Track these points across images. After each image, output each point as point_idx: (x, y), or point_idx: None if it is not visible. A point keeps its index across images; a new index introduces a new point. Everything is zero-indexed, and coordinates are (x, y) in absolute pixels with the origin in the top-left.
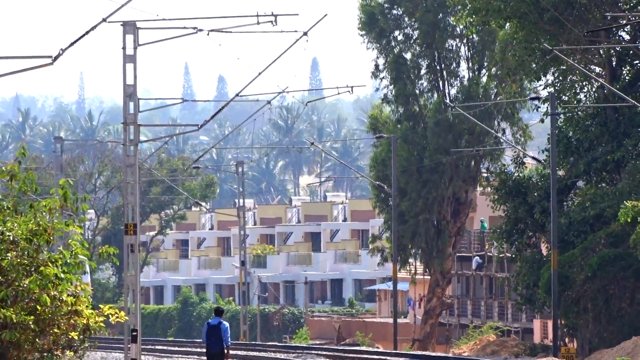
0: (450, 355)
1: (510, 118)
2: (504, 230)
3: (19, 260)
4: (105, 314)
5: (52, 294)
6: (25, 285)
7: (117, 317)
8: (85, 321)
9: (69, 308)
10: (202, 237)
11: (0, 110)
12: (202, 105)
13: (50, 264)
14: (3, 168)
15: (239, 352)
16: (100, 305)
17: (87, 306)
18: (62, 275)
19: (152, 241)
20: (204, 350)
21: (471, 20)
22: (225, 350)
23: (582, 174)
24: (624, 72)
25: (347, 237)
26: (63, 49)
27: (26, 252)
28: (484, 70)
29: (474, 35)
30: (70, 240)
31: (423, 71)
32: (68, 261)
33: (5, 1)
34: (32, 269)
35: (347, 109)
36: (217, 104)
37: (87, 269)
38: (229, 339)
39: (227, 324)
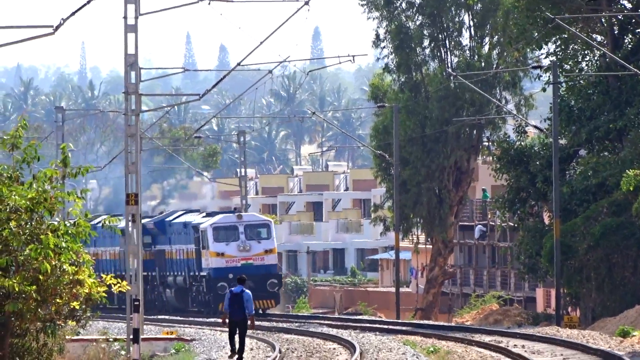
0: (452, 324)
1: (512, 87)
2: (506, 199)
3: (19, 229)
4: (107, 283)
5: (53, 263)
6: (26, 254)
7: (119, 287)
8: (87, 290)
9: (71, 277)
10: (204, 206)
11: (2, 80)
12: (204, 75)
13: (50, 233)
14: (4, 137)
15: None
16: (102, 275)
17: (89, 275)
18: (64, 245)
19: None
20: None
21: None
22: (249, 320)
23: (584, 143)
24: (626, 40)
25: (349, 206)
26: (64, 18)
27: (28, 222)
28: (486, 39)
29: (478, 5)
30: (71, 210)
31: (425, 40)
32: (69, 231)
33: None
34: (34, 239)
35: (349, 78)
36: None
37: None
38: (252, 308)
39: (249, 293)
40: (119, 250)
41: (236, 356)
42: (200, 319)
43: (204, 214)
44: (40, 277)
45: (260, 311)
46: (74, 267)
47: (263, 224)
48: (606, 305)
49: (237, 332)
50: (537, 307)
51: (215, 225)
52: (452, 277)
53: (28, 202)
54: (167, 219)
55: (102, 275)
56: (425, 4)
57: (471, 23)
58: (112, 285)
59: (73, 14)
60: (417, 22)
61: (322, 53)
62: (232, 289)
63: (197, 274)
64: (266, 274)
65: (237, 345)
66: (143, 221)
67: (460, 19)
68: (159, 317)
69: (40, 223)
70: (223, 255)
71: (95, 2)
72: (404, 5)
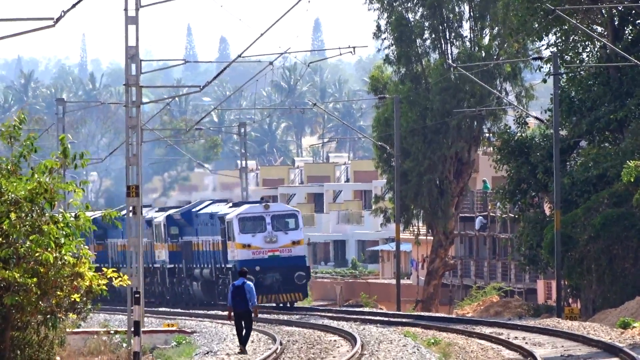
0: (453, 316)
1: (512, 78)
2: (506, 190)
3: (20, 221)
4: (108, 277)
5: (54, 254)
6: (27, 246)
7: (120, 281)
8: (88, 283)
9: (71, 270)
10: (205, 198)
11: (2, 72)
12: (205, 67)
13: (52, 224)
14: (2, 129)
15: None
16: (103, 269)
17: (89, 268)
18: (63, 240)
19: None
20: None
21: None
22: (252, 310)
23: (584, 134)
24: (627, 31)
25: (350, 197)
26: (65, 10)
27: (28, 214)
28: (486, 31)
29: None
30: (71, 201)
31: (426, 32)
32: (69, 223)
33: None
34: (35, 230)
35: (350, 69)
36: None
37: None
38: (255, 299)
39: (251, 284)
40: (147, 241)
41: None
42: (202, 312)
43: (231, 204)
44: (41, 269)
45: (288, 304)
46: (74, 259)
47: (291, 214)
48: (607, 296)
49: (243, 324)
50: (537, 299)
51: (241, 216)
52: (453, 268)
53: (28, 193)
54: (194, 210)
55: (103, 268)
56: None
57: (471, 14)
58: (113, 279)
59: (74, 6)
60: (418, 14)
61: (323, 45)
62: (235, 282)
63: (223, 266)
64: (294, 266)
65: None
66: (170, 212)
67: (460, 9)
68: (160, 309)
69: (40, 215)
70: (249, 247)
71: None
72: None
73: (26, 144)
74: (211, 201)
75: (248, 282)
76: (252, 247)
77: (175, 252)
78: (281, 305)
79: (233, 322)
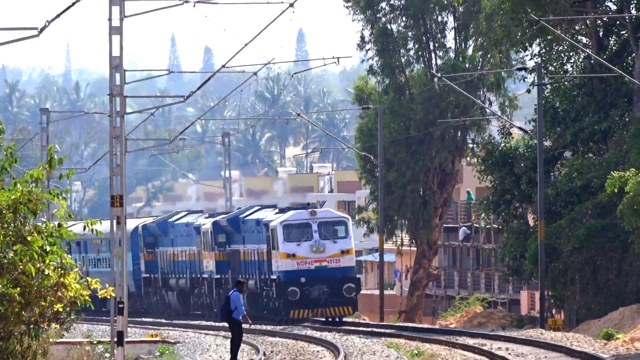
0: (436, 327)
1: (496, 88)
2: (490, 201)
3: (3, 231)
4: (92, 287)
5: (38, 265)
6: (10, 257)
7: (105, 292)
8: (72, 294)
9: (56, 280)
10: (189, 208)
11: None
12: (189, 77)
13: (36, 234)
14: None
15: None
16: (88, 279)
17: (74, 279)
18: (48, 249)
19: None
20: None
21: None
22: (242, 320)
23: (568, 145)
24: (611, 42)
25: (334, 208)
26: (49, 20)
27: (11, 223)
28: (470, 41)
29: (461, 7)
30: (55, 211)
31: (409, 42)
32: (53, 233)
33: None
34: (18, 240)
35: (334, 80)
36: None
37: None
38: (242, 308)
39: (238, 294)
40: (196, 250)
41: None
42: (184, 322)
43: (277, 210)
44: (24, 279)
45: (337, 319)
46: (59, 270)
47: (340, 221)
48: (590, 307)
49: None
50: (521, 310)
51: (285, 223)
52: (437, 279)
53: (11, 202)
54: (241, 216)
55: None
56: (408, 5)
57: (455, 24)
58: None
59: (58, 16)
60: (401, 25)
61: (307, 55)
62: (229, 293)
63: (267, 277)
64: (342, 278)
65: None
66: (217, 218)
67: (444, 19)
68: (144, 319)
69: (24, 224)
70: (294, 257)
71: (80, 4)
72: (387, 8)
73: (6, 154)
74: (260, 207)
75: (235, 293)
76: (297, 257)
77: (222, 261)
78: (329, 320)
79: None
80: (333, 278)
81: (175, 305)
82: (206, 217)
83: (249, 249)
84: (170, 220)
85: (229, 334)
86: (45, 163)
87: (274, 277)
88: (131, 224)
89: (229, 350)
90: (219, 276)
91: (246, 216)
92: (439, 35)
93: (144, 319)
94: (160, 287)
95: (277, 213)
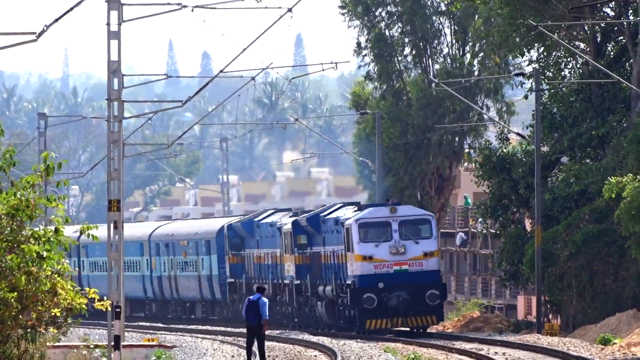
0: (433, 331)
1: (493, 94)
2: (488, 206)
3: (1, 237)
4: (90, 297)
5: (34, 271)
6: (6, 263)
7: (101, 305)
8: (68, 300)
9: (52, 285)
10: (186, 213)
11: None
12: (186, 82)
13: (32, 241)
14: None
15: (219, 328)
16: (86, 289)
17: (71, 286)
18: (45, 254)
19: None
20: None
21: None
22: (263, 323)
23: (566, 150)
24: (609, 48)
25: None
26: (47, 25)
27: (8, 229)
28: (468, 47)
29: (458, 13)
30: (53, 217)
31: (406, 48)
32: (51, 239)
33: None
34: (15, 246)
35: (332, 85)
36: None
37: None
38: (267, 313)
39: (265, 300)
40: (278, 253)
41: None
42: (182, 326)
43: (356, 208)
44: (21, 283)
45: (421, 330)
46: (56, 275)
47: (423, 219)
48: (587, 312)
49: (255, 338)
50: (518, 315)
51: (361, 221)
52: None
53: (9, 209)
54: (322, 214)
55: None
56: (405, 12)
57: (452, 30)
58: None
59: (56, 20)
60: (398, 30)
61: (305, 60)
62: (250, 297)
63: (343, 282)
64: (425, 284)
65: (253, 352)
66: (296, 218)
67: (440, 25)
68: (141, 323)
69: (21, 229)
70: (371, 259)
71: (78, 9)
72: (383, 14)
73: (5, 158)
74: (342, 204)
75: (263, 298)
76: (375, 260)
77: (302, 265)
78: (413, 330)
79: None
80: (415, 283)
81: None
82: (290, 217)
83: (329, 251)
84: (256, 219)
85: (226, 338)
86: (40, 165)
87: (349, 282)
88: (216, 223)
89: (249, 357)
90: (298, 282)
91: (326, 214)
92: (436, 41)
93: (140, 323)
94: (245, 294)
95: (355, 210)
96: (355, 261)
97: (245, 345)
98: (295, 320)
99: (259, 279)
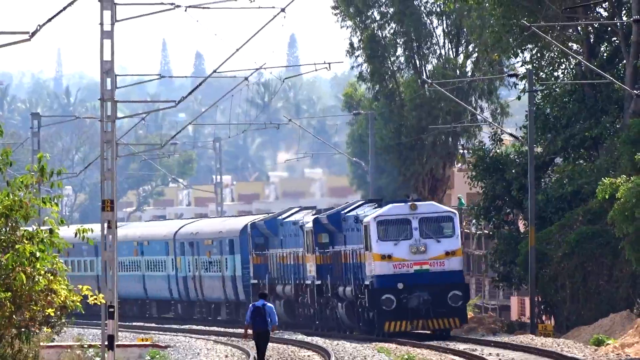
0: (427, 331)
1: (487, 95)
2: (481, 207)
3: None
4: (83, 294)
5: (29, 270)
6: (1, 263)
7: (95, 299)
8: (62, 299)
9: (46, 284)
10: (180, 213)
11: None
12: (180, 82)
13: (26, 241)
14: None
15: (218, 328)
16: (79, 286)
17: (66, 285)
18: (39, 254)
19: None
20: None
21: None
22: (271, 329)
23: (559, 151)
24: (602, 49)
25: None
26: (40, 24)
27: (2, 229)
28: (461, 48)
29: (452, 14)
30: (47, 218)
31: (399, 48)
32: (44, 239)
33: None
34: (9, 246)
35: (325, 86)
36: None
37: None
38: (276, 319)
39: (271, 305)
40: (300, 252)
41: None
42: (176, 326)
43: (375, 205)
44: (15, 283)
45: (444, 332)
46: (50, 274)
47: (445, 216)
48: (581, 313)
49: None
50: (511, 316)
51: (380, 219)
52: None
53: (3, 209)
54: (343, 212)
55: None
56: (397, 12)
57: (445, 30)
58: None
59: (49, 20)
60: (390, 31)
61: (298, 60)
62: (255, 303)
63: (361, 283)
64: (447, 284)
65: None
66: (317, 216)
67: (434, 25)
68: (134, 323)
69: (15, 229)
70: (390, 259)
71: (71, 9)
72: (375, 14)
73: (2, 158)
74: (364, 201)
75: (269, 305)
76: (394, 259)
77: (323, 265)
78: (435, 332)
79: (244, 339)
80: (436, 284)
81: (282, 317)
82: (313, 215)
83: (350, 250)
84: (280, 218)
85: (220, 338)
86: (34, 166)
87: (367, 282)
88: (239, 222)
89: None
90: (319, 282)
91: (347, 212)
92: (429, 42)
93: (134, 323)
94: (270, 297)
95: (375, 208)
96: (373, 260)
97: (241, 346)
98: (317, 322)
99: (282, 280)
